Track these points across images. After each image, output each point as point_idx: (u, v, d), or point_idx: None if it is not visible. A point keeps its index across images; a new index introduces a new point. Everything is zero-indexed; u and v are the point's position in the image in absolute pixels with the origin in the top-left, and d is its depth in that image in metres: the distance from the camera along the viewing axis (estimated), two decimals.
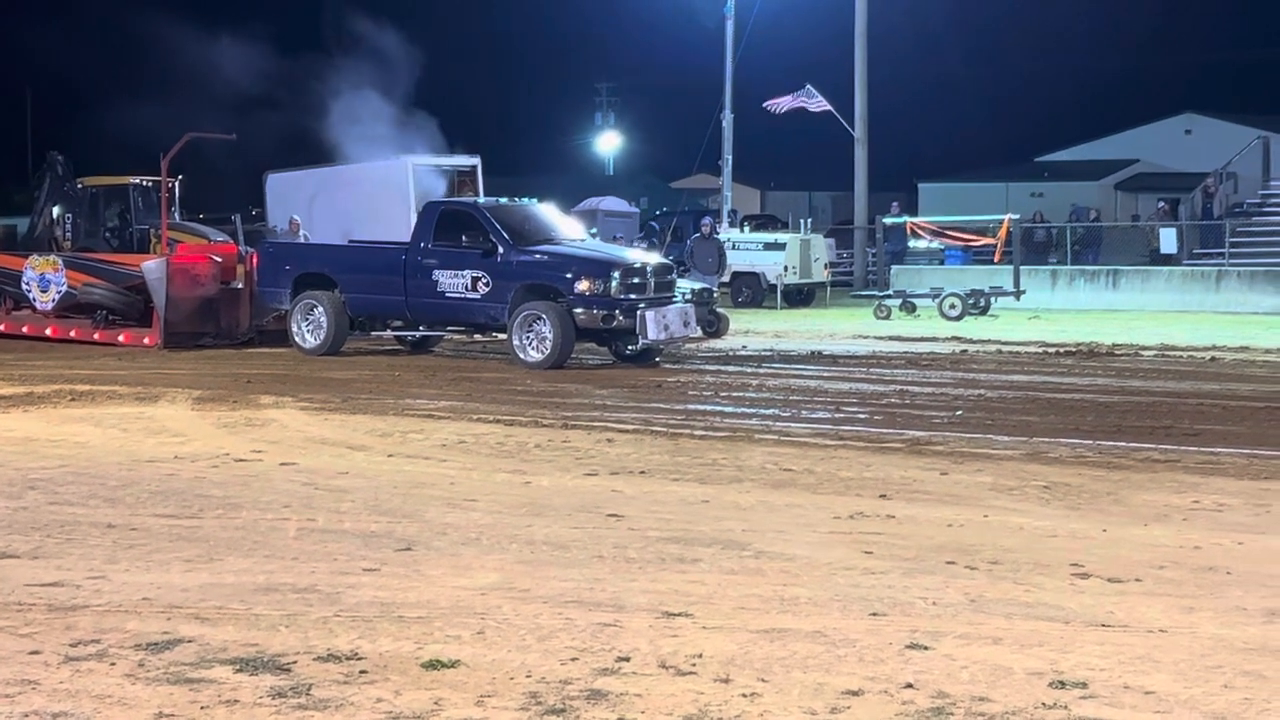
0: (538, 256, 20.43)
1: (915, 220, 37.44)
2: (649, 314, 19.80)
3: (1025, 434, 13.55)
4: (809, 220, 39.96)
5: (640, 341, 20.08)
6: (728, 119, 40.93)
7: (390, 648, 6.54)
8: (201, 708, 5.77)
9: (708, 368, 20.40)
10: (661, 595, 7.48)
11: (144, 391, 16.73)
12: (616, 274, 19.96)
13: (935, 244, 36.59)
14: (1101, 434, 13.53)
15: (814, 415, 15.24)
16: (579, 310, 19.76)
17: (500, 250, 20.33)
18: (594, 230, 28.59)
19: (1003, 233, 33.06)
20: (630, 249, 25.44)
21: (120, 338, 23.36)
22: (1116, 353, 21.91)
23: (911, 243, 37.21)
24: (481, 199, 22.32)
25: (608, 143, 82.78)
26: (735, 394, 17.15)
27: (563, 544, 8.76)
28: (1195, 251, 38.01)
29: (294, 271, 22.11)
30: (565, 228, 22.20)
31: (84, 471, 11.36)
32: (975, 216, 37.19)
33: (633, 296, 19.98)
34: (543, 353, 19.75)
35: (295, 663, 6.32)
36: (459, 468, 11.81)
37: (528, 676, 6.13)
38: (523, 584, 7.73)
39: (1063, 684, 6.04)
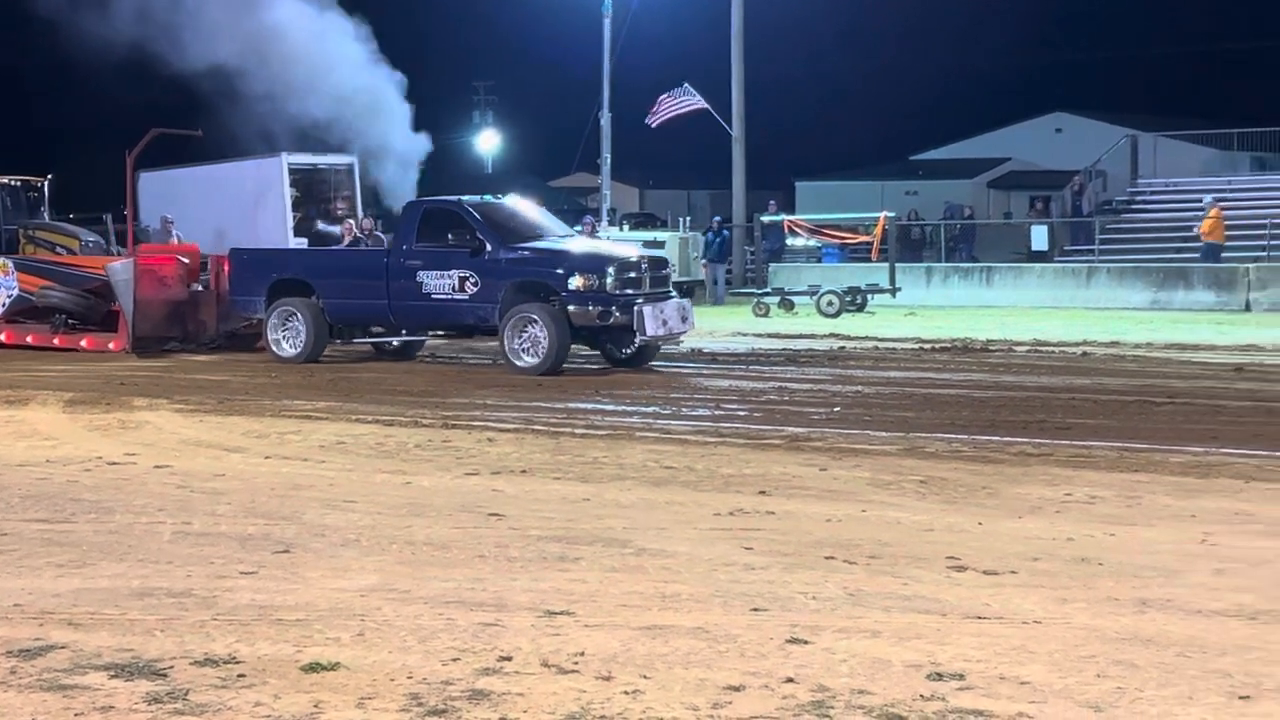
0: (527, 253, 19.68)
1: (792, 218, 37.68)
2: (647, 309, 19.01)
3: (902, 429, 13.68)
4: (688, 218, 40.08)
5: (637, 339, 19.42)
6: (606, 118, 40.86)
7: (269, 651, 6.47)
8: (76, 714, 5.67)
9: (588, 366, 20.39)
10: (543, 594, 7.47)
11: (13, 395, 16.41)
12: (612, 269, 19.17)
13: (812, 242, 36.88)
14: (976, 428, 13.71)
15: (694, 412, 15.29)
16: (573, 308, 18.89)
17: (488, 248, 19.54)
18: (578, 227, 28.35)
19: (879, 230, 33.38)
20: (620, 244, 24.85)
21: (83, 343, 22.54)
22: (990, 348, 22.21)
23: (789, 240, 37.49)
24: (464, 197, 21.36)
25: (486, 141, 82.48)
26: (616, 392, 17.16)
27: (444, 544, 8.72)
28: (1066, 248, 38.71)
29: (269, 278, 21.20)
30: (551, 224, 21.55)
31: None
32: (851, 214, 37.56)
33: (629, 292, 19.25)
34: (537, 357, 18.85)
35: (172, 668, 6.23)
36: (338, 469, 11.71)
37: (409, 678, 6.10)
38: (403, 585, 7.68)
39: (940, 675, 6.11)
